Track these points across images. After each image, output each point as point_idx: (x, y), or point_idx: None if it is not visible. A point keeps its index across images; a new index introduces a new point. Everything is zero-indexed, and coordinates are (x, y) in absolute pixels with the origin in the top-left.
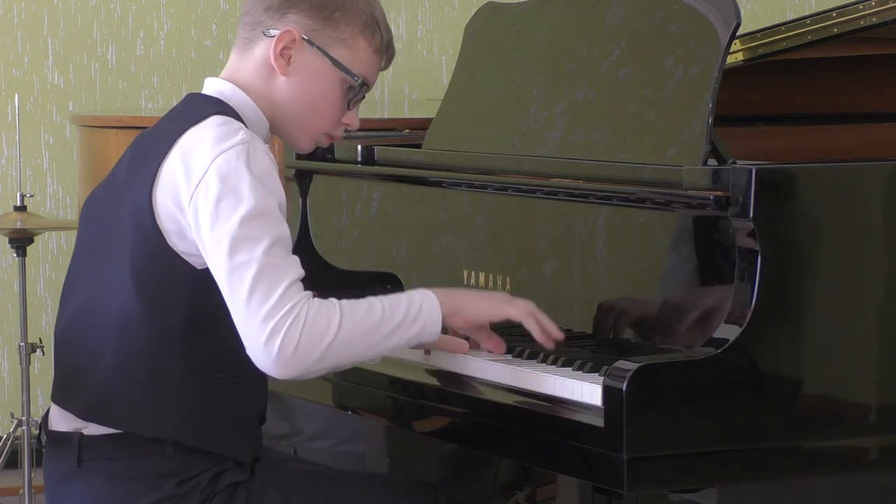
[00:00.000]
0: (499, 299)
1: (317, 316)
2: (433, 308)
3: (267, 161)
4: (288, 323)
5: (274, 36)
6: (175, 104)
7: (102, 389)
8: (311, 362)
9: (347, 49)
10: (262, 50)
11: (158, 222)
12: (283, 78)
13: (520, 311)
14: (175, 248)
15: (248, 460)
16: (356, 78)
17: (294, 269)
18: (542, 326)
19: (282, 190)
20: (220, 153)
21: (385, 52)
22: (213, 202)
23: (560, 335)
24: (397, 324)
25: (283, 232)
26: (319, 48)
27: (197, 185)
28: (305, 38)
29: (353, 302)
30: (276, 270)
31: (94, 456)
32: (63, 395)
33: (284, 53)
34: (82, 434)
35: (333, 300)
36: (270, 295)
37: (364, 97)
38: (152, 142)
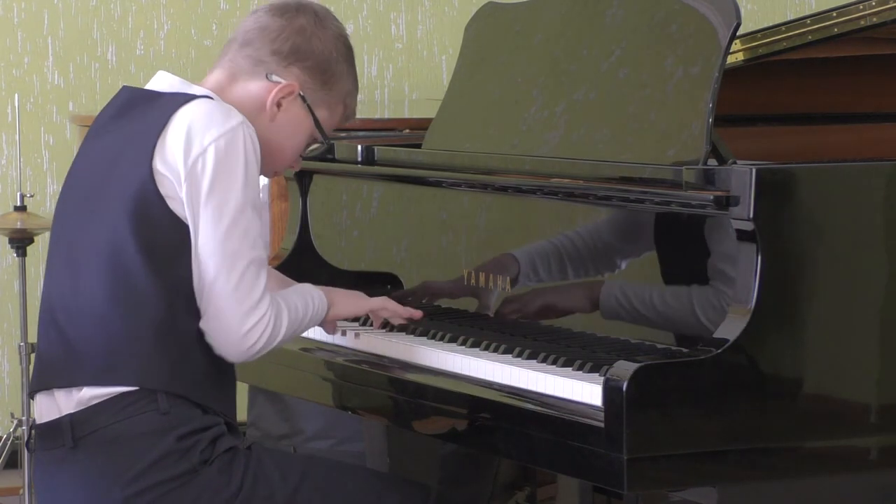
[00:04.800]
0: (357, 299)
1: (277, 319)
2: (323, 301)
3: (257, 145)
4: (263, 326)
5: (277, 83)
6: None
7: (118, 352)
8: (261, 354)
9: (328, 112)
10: (259, 89)
11: (160, 189)
12: (267, 121)
13: (376, 304)
14: (177, 214)
15: (235, 421)
16: (328, 140)
17: (265, 262)
18: (398, 313)
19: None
20: (220, 135)
21: (345, 119)
22: (208, 184)
23: (418, 314)
24: (310, 318)
25: (261, 220)
26: (309, 107)
27: (194, 162)
28: (301, 94)
29: (286, 300)
30: (259, 266)
31: (88, 429)
32: (59, 372)
33: (280, 102)
34: (72, 414)
35: (280, 301)
36: (253, 291)
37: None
38: (145, 122)
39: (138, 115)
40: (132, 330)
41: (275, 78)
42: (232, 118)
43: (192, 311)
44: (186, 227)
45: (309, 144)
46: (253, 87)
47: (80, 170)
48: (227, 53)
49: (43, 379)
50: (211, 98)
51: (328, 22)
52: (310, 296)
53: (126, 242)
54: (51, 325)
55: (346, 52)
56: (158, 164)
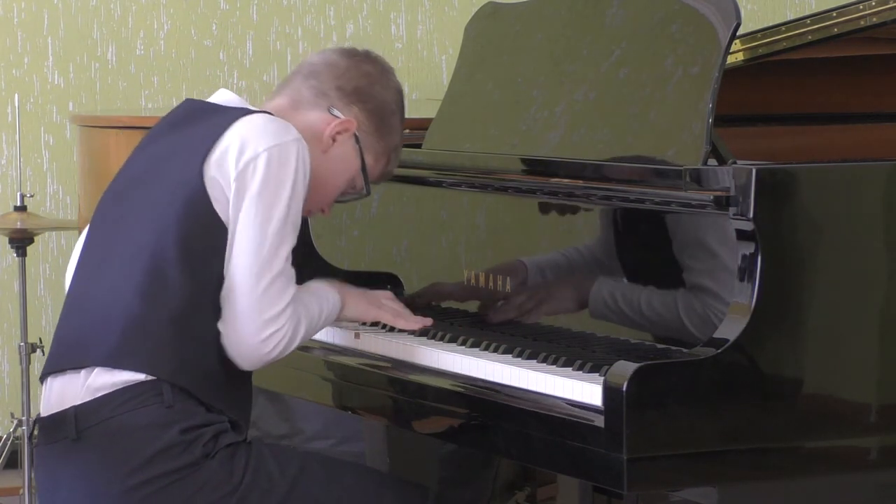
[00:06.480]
0: (370, 303)
1: (295, 330)
2: (337, 304)
3: (309, 166)
4: (280, 336)
5: (337, 117)
6: (179, 105)
7: (133, 335)
8: (273, 362)
9: (374, 161)
10: (318, 120)
11: (209, 190)
12: (319, 151)
13: (388, 317)
14: (221, 217)
15: (245, 423)
16: (368, 188)
17: (294, 278)
18: (410, 326)
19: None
20: (275, 144)
21: (382, 178)
22: (256, 189)
23: (428, 321)
24: (324, 321)
25: (296, 237)
26: (360, 149)
27: (246, 165)
28: (357, 134)
29: (305, 305)
30: (287, 279)
31: (93, 420)
32: (73, 354)
33: (336, 136)
34: (77, 406)
35: (300, 310)
36: (277, 302)
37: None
38: (203, 128)
39: (197, 123)
40: (152, 320)
41: (335, 112)
42: (290, 132)
43: (214, 312)
44: (227, 230)
45: (347, 190)
46: (312, 117)
47: (130, 168)
48: (290, 83)
49: (57, 360)
50: (270, 114)
51: (391, 75)
52: (325, 299)
53: (166, 237)
54: (74, 309)
55: (402, 109)
56: (211, 168)
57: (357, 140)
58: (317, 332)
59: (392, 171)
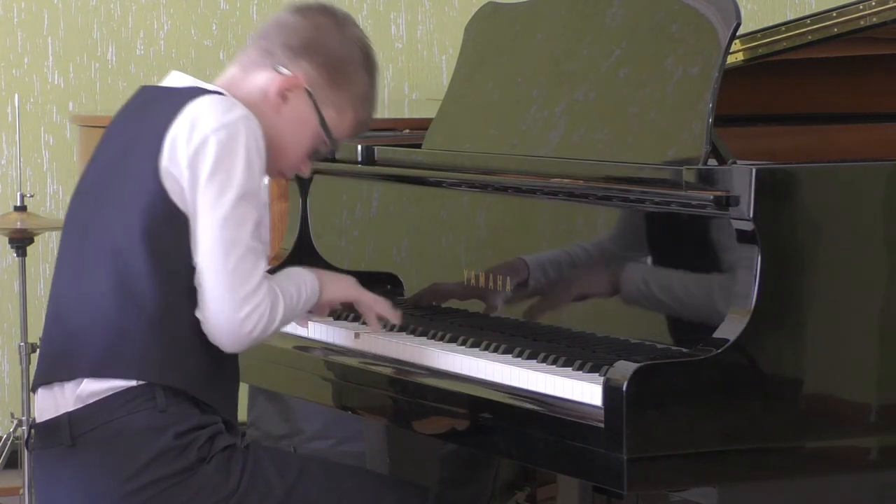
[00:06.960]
0: (349, 283)
1: (273, 307)
2: (315, 285)
3: (261, 139)
4: (259, 313)
5: (283, 74)
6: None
7: (116, 342)
8: (257, 342)
9: (336, 114)
10: (266, 80)
11: (164, 183)
12: (272, 112)
13: (367, 297)
14: (179, 207)
15: (235, 420)
16: (333, 142)
17: (264, 253)
18: (382, 314)
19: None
20: (221, 125)
21: (357, 128)
22: (209, 172)
23: (396, 319)
24: (303, 303)
25: (261, 213)
26: (315, 103)
27: (196, 152)
28: (308, 89)
29: (281, 287)
30: (256, 255)
31: (87, 426)
32: (60, 365)
33: (284, 94)
34: (71, 412)
35: (276, 289)
36: (250, 278)
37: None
38: (155, 117)
39: (150, 112)
40: (131, 323)
41: (282, 69)
42: (235, 111)
43: (190, 305)
44: (187, 219)
45: (319, 147)
46: (260, 78)
47: (94, 166)
48: (243, 50)
49: (44, 372)
50: (221, 94)
51: (348, 26)
52: (302, 281)
53: (131, 236)
54: (55, 318)
55: (364, 58)
56: (164, 160)
57: (311, 95)
58: (298, 314)
59: (367, 121)
